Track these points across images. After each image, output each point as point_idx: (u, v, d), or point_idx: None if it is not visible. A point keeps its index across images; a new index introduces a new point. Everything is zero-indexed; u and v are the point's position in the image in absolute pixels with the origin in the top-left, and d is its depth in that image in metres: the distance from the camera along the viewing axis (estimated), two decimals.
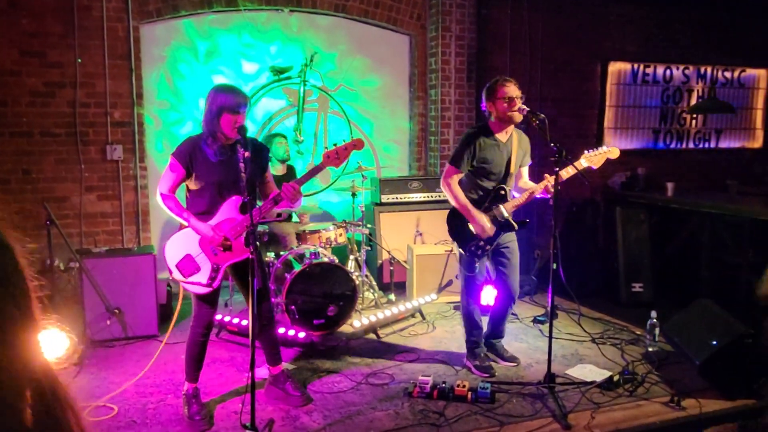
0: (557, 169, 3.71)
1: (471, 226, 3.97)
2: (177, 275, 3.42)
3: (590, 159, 3.94)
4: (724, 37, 7.66)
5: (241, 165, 3.16)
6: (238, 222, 3.38)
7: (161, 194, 3.41)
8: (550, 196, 3.91)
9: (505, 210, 3.98)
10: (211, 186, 3.39)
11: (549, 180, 3.86)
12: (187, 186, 3.49)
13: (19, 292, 0.73)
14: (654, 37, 7.38)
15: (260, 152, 3.53)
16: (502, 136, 4.00)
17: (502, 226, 3.99)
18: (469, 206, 3.95)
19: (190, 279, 3.40)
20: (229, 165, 3.32)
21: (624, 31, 7.24)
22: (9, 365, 0.70)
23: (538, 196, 3.98)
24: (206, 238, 3.38)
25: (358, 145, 3.46)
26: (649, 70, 7.43)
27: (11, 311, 0.71)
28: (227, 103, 3.26)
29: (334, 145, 3.45)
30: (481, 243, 3.99)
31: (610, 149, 3.95)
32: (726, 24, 7.62)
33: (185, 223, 3.43)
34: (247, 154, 3.18)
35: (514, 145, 4.02)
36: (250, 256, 3.16)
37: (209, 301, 3.52)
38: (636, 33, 7.30)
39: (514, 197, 4.05)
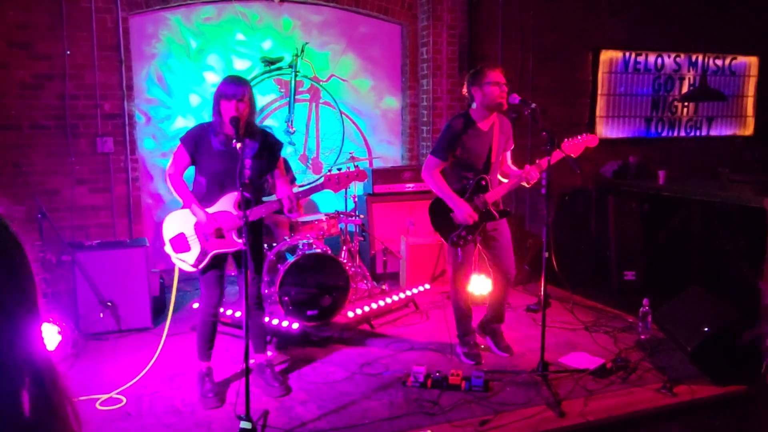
0: (547, 158, 3.72)
1: (453, 215, 3.97)
2: (169, 249, 3.57)
3: (569, 147, 3.93)
4: (716, 25, 7.67)
5: (247, 160, 3.33)
6: (233, 217, 3.45)
7: (169, 174, 3.51)
8: (529, 186, 3.98)
9: (486, 200, 3.97)
10: (211, 176, 3.47)
11: (528, 171, 3.89)
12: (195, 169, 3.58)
13: (28, 285, 0.76)
14: (645, 25, 7.38)
15: (270, 147, 3.56)
16: (484, 125, 3.97)
17: (483, 215, 4.00)
18: (453, 194, 3.96)
19: (179, 256, 3.54)
20: (232, 157, 3.32)
21: (615, 19, 7.24)
22: (12, 355, 0.72)
23: (527, 185, 4.00)
24: (200, 224, 3.47)
25: (360, 175, 3.55)
26: (641, 59, 7.43)
27: (20, 301, 0.74)
28: (224, 90, 3.34)
29: (338, 169, 3.54)
30: (463, 233, 4.00)
31: (589, 137, 3.96)
32: (717, 11, 7.63)
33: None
34: (239, 145, 3.20)
35: (495, 133, 3.99)
36: (243, 248, 3.22)
37: (216, 283, 3.62)
38: (627, 21, 7.29)
39: (502, 183, 4.07)
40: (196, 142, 3.44)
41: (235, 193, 3.41)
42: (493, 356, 4.23)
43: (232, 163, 3.32)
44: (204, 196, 3.50)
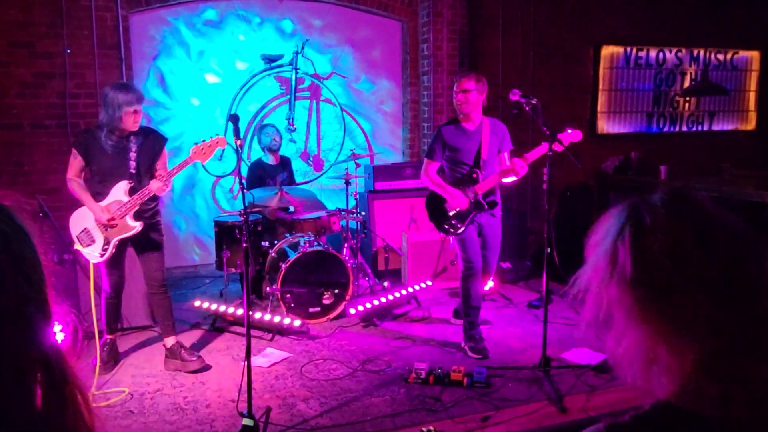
0: (534, 151, 3.97)
1: (448, 205, 4.22)
2: (78, 245, 3.87)
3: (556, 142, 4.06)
4: (717, 20, 7.64)
5: (132, 154, 3.77)
6: (124, 203, 3.77)
7: (68, 178, 3.85)
8: (518, 179, 4.17)
9: (476, 191, 4.18)
10: (103, 171, 3.83)
11: (514, 164, 4.07)
12: (89, 169, 3.91)
13: (38, 279, 0.76)
14: (646, 20, 7.35)
15: (153, 141, 3.93)
16: (469, 125, 4.23)
17: (473, 205, 4.20)
18: (442, 184, 4.26)
19: (87, 249, 3.85)
20: (121, 153, 3.79)
21: (616, 15, 7.21)
22: (24, 346, 0.72)
23: (506, 180, 4.19)
24: (97, 220, 3.80)
25: (220, 142, 3.76)
26: (642, 54, 7.41)
27: (30, 296, 0.74)
28: (126, 100, 3.66)
29: (202, 140, 3.74)
30: (453, 221, 4.22)
31: (574, 132, 4.11)
32: (718, 6, 7.60)
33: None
34: (238, 142, 3.34)
35: (485, 132, 4.23)
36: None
37: (115, 267, 3.96)
38: (628, 16, 7.27)
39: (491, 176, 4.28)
40: (85, 146, 3.81)
41: (124, 182, 3.79)
42: (495, 352, 4.22)
43: (119, 159, 3.79)
44: (97, 191, 3.83)
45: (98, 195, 3.84)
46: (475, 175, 4.22)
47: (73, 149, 3.89)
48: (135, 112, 3.72)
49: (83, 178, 3.91)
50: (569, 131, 4.11)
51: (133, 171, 3.79)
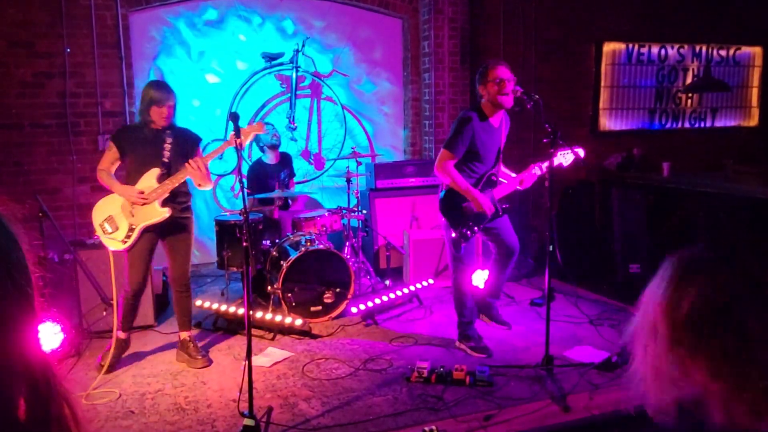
0: (552, 151, 3.75)
1: (471, 207, 3.95)
2: (99, 232, 3.91)
3: (563, 157, 4.10)
4: (719, 15, 7.61)
5: (167, 145, 3.87)
6: (155, 188, 3.84)
7: (98, 169, 3.95)
8: (522, 189, 4.11)
9: (494, 196, 4.03)
10: (138, 160, 3.91)
11: (524, 176, 4.03)
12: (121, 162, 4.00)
13: (23, 283, 0.74)
14: (648, 17, 7.32)
15: (188, 139, 4.03)
16: (494, 121, 4.01)
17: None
18: (471, 188, 3.93)
19: (110, 236, 3.88)
20: (155, 144, 3.89)
21: (618, 11, 7.18)
22: (6, 356, 0.70)
23: (521, 187, 4.10)
24: (127, 199, 3.85)
25: (258, 127, 3.91)
26: (644, 50, 7.38)
27: (13, 302, 0.72)
28: (155, 97, 3.81)
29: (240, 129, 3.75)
30: (471, 224, 4.01)
31: (578, 150, 4.01)
32: (720, 2, 7.56)
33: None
34: (238, 141, 3.38)
35: (503, 129, 4.07)
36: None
37: (140, 264, 3.92)
38: (630, 12, 7.24)
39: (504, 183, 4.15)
40: (121, 139, 3.95)
41: (156, 169, 3.86)
42: (498, 351, 4.20)
43: (153, 149, 3.88)
44: (128, 178, 3.91)
45: (129, 182, 3.91)
46: (494, 178, 3.98)
47: (109, 141, 3.99)
48: (162, 109, 3.82)
49: (114, 174, 4.00)
50: (572, 150, 4.04)
51: (166, 160, 3.87)
